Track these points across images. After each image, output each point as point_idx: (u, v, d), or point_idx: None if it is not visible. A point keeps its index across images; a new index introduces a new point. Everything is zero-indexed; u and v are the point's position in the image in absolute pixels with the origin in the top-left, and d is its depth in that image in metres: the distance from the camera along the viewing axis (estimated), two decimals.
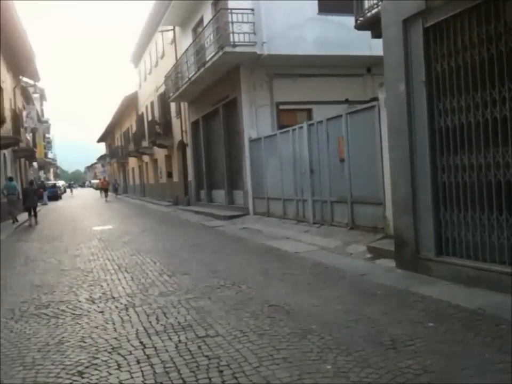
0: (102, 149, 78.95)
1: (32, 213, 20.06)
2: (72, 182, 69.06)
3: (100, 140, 68.48)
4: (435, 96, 6.63)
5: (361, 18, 9.45)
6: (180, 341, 4.70)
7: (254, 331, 4.86)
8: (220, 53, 15.36)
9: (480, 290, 5.78)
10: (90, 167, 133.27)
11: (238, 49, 15.11)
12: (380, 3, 8.46)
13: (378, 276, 7.08)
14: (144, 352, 4.47)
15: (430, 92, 6.68)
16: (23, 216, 21.67)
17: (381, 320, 4.96)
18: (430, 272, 6.71)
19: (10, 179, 21.52)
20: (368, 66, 16.70)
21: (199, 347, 4.50)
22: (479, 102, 5.99)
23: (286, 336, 4.65)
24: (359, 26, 9.53)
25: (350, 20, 10.49)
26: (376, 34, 8.42)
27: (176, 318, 5.49)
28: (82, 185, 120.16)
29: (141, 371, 4.04)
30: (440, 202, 6.63)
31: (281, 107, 16.81)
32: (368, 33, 9.20)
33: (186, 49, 20.09)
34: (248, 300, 6.10)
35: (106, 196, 41.84)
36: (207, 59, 16.91)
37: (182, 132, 25.83)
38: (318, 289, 6.48)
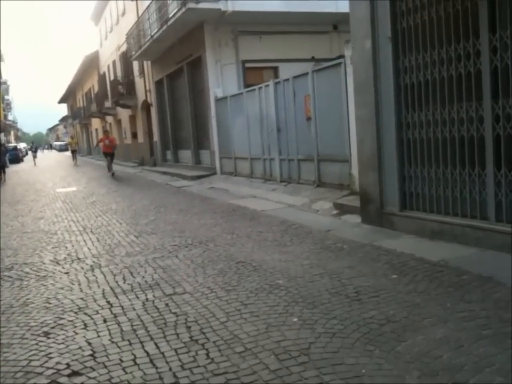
0: (63, 110, 76.84)
1: (1, 171, 22.73)
2: (33, 144, 50.99)
3: (61, 101, 66.51)
4: (401, 52, 6.60)
5: None
6: (147, 299, 4.69)
7: (222, 287, 4.88)
8: (183, 10, 14.91)
9: (444, 243, 5.93)
10: (52, 129, 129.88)
11: (201, 5, 14.71)
12: None
13: (344, 231, 7.17)
14: (111, 311, 4.44)
15: (396, 48, 6.65)
16: None
17: (346, 274, 5.04)
18: (394, 226, 6.83)
19: None
20: (334, 24, 16.55)
21: (167, 304, 4.51)
22: (444, 57, 5.99)
23: (254, 291, 4.69)
24: None
25: None
26: None
27: (143, 277, 5.46)
28: (49, 147, 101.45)
29: (108, 330, 4.02)
30: (405, 159, 6.69)
31: (247, 65, 16.58)
32: None
33: (148, 6, 19.47)
34: (215, 257, 6.11)
35: (110, 169, 21.10)
36: (170, 16, 16.42)
37: (145, 91, 25.27)
38: (284, 245, 6.53)
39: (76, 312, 4.48)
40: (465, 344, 3.32)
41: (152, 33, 18.69)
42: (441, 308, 3.99)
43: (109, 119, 37.19)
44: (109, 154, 21.38)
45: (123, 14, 28.26)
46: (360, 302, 4.22)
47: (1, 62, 52.32)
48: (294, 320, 3.92)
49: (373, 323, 3.76)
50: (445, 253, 5.52)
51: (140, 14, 22.12)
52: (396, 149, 6.74)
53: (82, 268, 6.05)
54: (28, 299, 4.98)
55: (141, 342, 3.73)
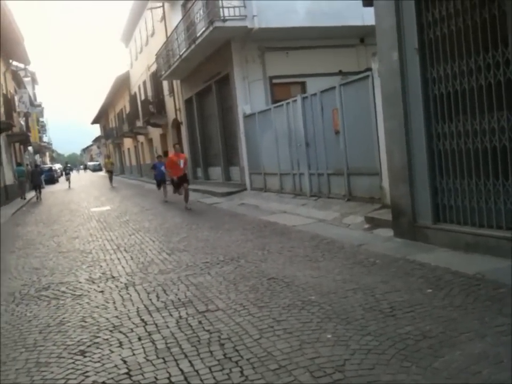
0: (97, 130, 78.41)
1: (38, 190, 24.31)
2: (67, 164, 46.27)
3: (94, 122, 68.07)
4: (428, 63, 6.56)
5: None
6: (180, 317, 4.72)
7: (254, 304, 4.88)
8: (210, 28, 15.16)
9: (479, 255, 5.80)
10: (86, 149, 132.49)
11: (228, 23, 14.92)
12: None
13: (376, 246, 7.09)
14: (146, 329, 4.49)
15: (423, 59, 6.61)
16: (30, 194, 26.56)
17: (379, 289, 4.98)
18: (427, 239, 6.72)
19: (19, 164, 27.24)
20: (361, 37, 16.54)
21: (200, 322, 4.53)
22: (473, 67, 5.92)
23: (286, 307, 4.68)
24: None
25: None
26: (368, 3, 8.27)
27: (176, 294, 5.51)
28: (85, 168, 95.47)
29: (143, 348, 4.06)
30: (436, 170, 6.61)
31: (275, 81, 16.67)
32: (359, 2, 9.04)
33: (176, 26, 19.84)
34: (247, 274, 6.12)
35: (187, 200, 14.46)
36: (198, 35, 16.69)
37: (175, 110, 25.64)
38: (316, 261, 6.49)
39: (111, 331, 4.54)
40: (505, 359, 3.23)
41: (181, 53, 19.01)
42: (478, 322, 3.90)
43: (141, 138, 37.81)
44: (184, 180, 14.64)
45: (152, 34, 28.83)
46: (395, 318, 4.15)
47: (36, 85, 53.81)
48: (328, 336, 3.89)
49: (408, 339, 3.70)
50: (480, 265, 5.40)
51: (168, 34, 22.54)
52: (427, 161, 6.66)
53: (116, 286, 6.13)
54: (64, 318, 5.07)
55: (175, 360, 3.75)
